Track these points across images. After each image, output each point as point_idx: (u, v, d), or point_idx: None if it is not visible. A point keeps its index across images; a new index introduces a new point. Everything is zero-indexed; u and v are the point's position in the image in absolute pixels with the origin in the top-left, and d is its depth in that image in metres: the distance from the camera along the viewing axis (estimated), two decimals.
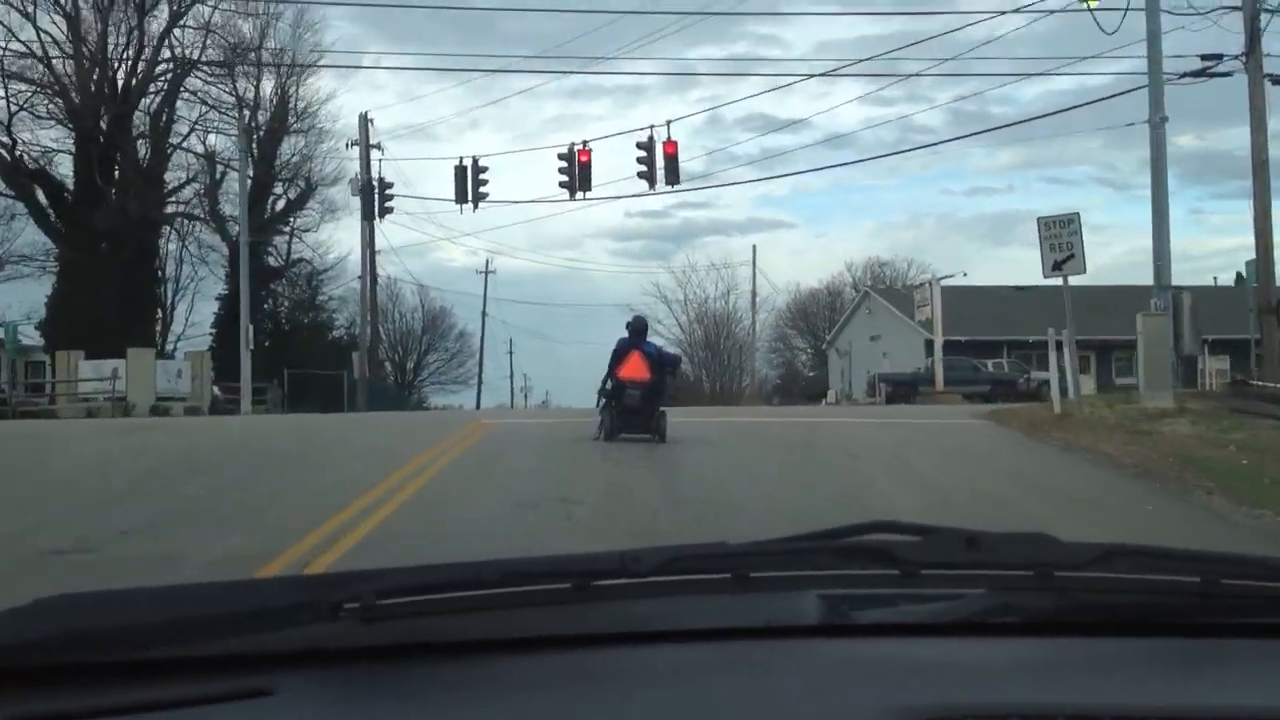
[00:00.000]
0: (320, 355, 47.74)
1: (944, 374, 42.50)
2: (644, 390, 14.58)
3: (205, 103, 50.94)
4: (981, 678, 1.61)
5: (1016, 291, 62.59)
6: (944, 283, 42.80)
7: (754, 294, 65.57)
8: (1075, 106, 50.43)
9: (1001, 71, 75.81)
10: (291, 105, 54.42)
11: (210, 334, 55.00)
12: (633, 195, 60.99)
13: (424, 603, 1.58)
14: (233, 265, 55.99)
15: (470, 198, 28.62)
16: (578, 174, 25.91)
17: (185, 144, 51.76)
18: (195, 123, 51.24)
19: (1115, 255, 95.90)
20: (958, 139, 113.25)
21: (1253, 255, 24.13)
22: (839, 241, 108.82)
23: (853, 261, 78.64)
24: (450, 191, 28.13)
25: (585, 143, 26.30)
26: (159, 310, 55.34)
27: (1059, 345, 18.26)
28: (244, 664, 1.52)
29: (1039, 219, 17.49)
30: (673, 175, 25.36)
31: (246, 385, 33.82)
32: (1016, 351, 55.52)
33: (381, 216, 36.64)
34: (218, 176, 55.84)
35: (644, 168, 25.46)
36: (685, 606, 1.71)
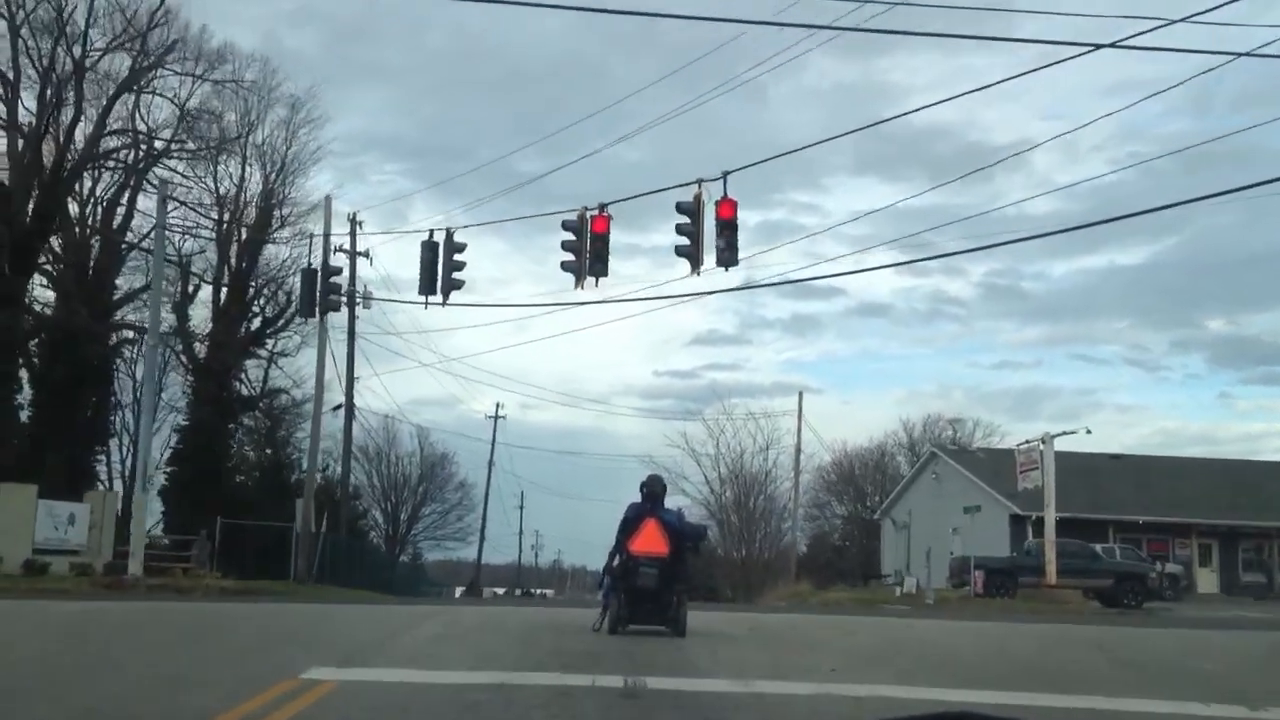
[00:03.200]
0: (273, 502, 38.89)
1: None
2: (661, 567, 12.65)
3: (174, 198, 43.50)
4: None
5: (1111, 460, 52.83)
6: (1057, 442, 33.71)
7: (798, 448, 56.56)
8: None
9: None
10: (276, 209, 46.92)
11: (165, 472, 46.59)
12: (663, 298, 52.77)
13: None
14: (195, 392, 47.83)
15: (440, 287, 20.06)
16: (589, 249, 17.32)
17: (145, 244, 43.81)
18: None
19: (1141, 435, 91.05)
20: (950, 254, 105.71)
21: None
22: (866, 408, 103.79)
23: (909, 419, 69.75)
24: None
25: (603, 207, 17.84)
26: (109, 440, 47.09)
27: None
28: None
29: None
30: (729, 252, 16.51)
31: (139, 540, 25.04)
32: (1122, 535, 45.81)
33: (324, 313, 28.24)
34: (190, 289, 48.10)
35: (686, 241, 16.85)
36: None
